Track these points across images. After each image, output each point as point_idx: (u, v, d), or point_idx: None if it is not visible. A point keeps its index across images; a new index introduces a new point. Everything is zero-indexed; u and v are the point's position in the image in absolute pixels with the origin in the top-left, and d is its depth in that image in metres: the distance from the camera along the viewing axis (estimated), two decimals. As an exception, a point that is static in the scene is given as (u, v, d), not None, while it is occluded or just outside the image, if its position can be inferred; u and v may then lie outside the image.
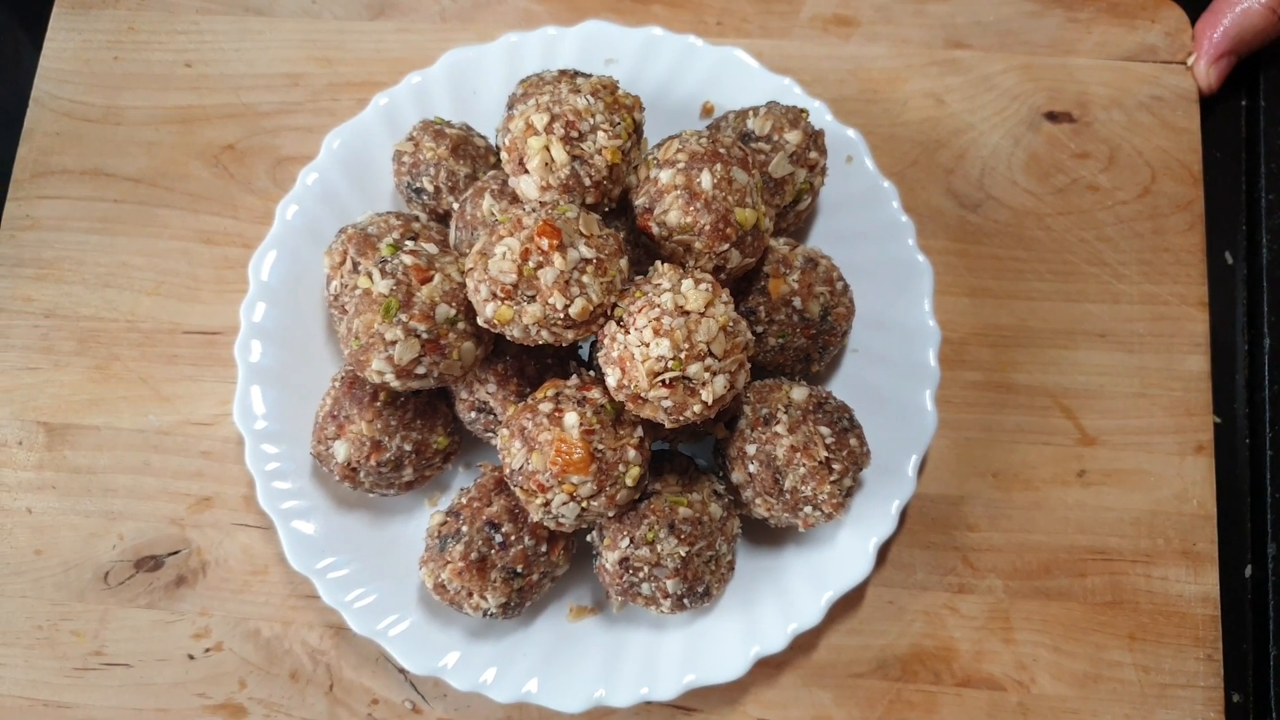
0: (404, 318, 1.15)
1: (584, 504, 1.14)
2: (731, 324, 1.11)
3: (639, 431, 1.17)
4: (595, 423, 1.15)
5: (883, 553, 1.37)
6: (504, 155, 1.21)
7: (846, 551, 1.30)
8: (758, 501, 1.24)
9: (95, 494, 1.45)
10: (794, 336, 1.27)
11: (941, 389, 1.41)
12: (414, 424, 1.27)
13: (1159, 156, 1.50)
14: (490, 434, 1.30)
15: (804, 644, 1.34)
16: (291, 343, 1.40)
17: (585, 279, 1.11)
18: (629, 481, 1.15)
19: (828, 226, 1.41)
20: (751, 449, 1.22)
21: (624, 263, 1.15)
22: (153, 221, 1.57)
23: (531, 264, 1.10)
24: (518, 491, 1.17)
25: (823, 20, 1.58)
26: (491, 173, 1.33)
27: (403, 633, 1.29)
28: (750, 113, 1.32)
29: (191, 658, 1.39)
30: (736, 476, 1.25)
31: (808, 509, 1.22)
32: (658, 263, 1.16)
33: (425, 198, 1.37)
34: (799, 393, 1.25)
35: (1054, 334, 1.44)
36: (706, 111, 1.46)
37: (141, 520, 1.44)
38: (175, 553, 1.43)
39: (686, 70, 1.47)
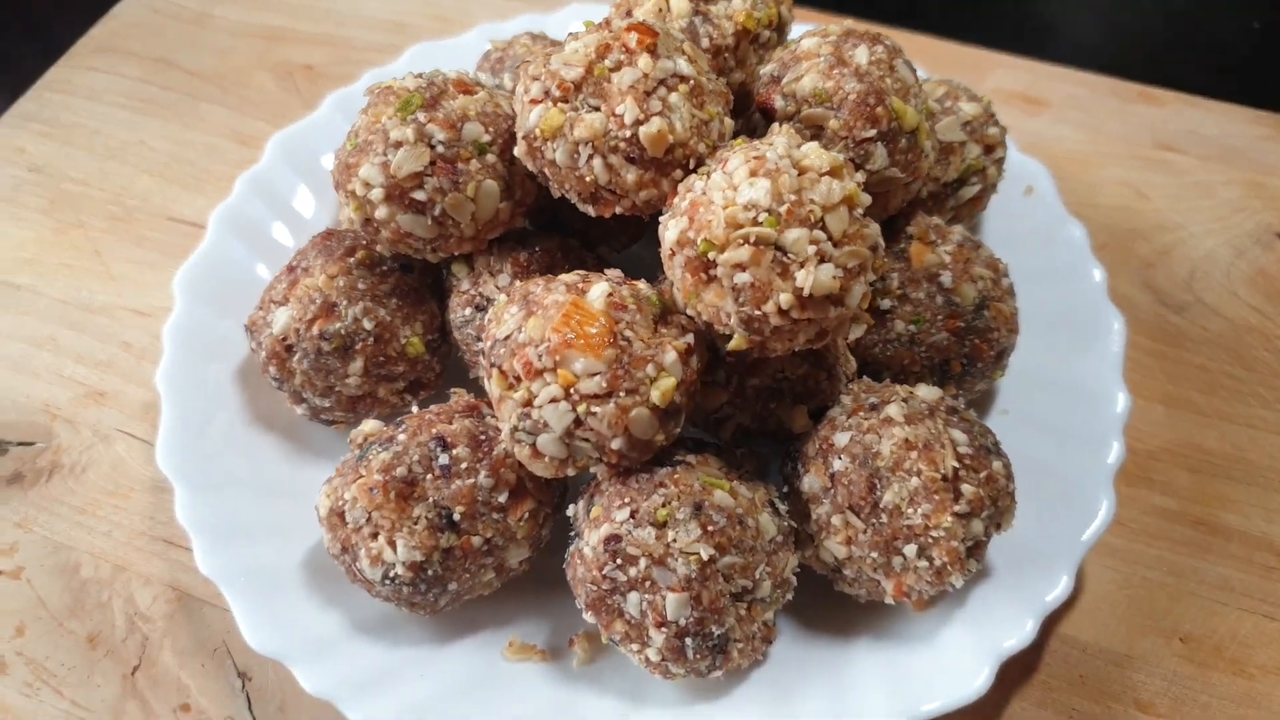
0: (422, 118, 0.85)
1: (581, 410, 0.75)
2: (860, 209, 0.77)
3: (688, 339, 0.79)
4: (631, 303, 0.78)
5: (995, 704, 0.89)
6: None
7: (949, 657, 0.83)
8: (835, 522, 0.81)
9: (-26, 355, 1.12)
10: (932, 327, 0.90)
11: (1120, 509, 0.97)
12: (386, 300, 0.92)
13: None
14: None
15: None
16: (293, 222, 1.10)
17: (674, 98, 0.80)
18: (656, 396, 0.76)
19: (993, 258, 1.07)
20: (843, 438, 0.82)
21: (729, 121, 0.84)
22: (193, 114, 1.35)
23: (608, 63, 0.80)
24: (491, 378, 0.78)
25: (1007, 94, 1.35)
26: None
27: (259, 586, 0.86)
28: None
29: (-26, 578, 0.97)
30: (809, 483, 0.83)
31: (909, 551, 0.78)
32: (776, 124, 0.84)
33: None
34: (928, 390, 0.86)
35: (1283, 475, 1.02)
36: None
37: (9, 397, 1.08)
38: (28, 444, 1.05)
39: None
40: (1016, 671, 0.90)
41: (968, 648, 0.83)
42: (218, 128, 1.34)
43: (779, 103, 0.87)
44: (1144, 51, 1.57)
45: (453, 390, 0.90)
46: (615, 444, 0.76)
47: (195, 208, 1.25)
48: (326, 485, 0.84)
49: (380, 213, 0.86)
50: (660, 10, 0.91)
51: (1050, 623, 0.92)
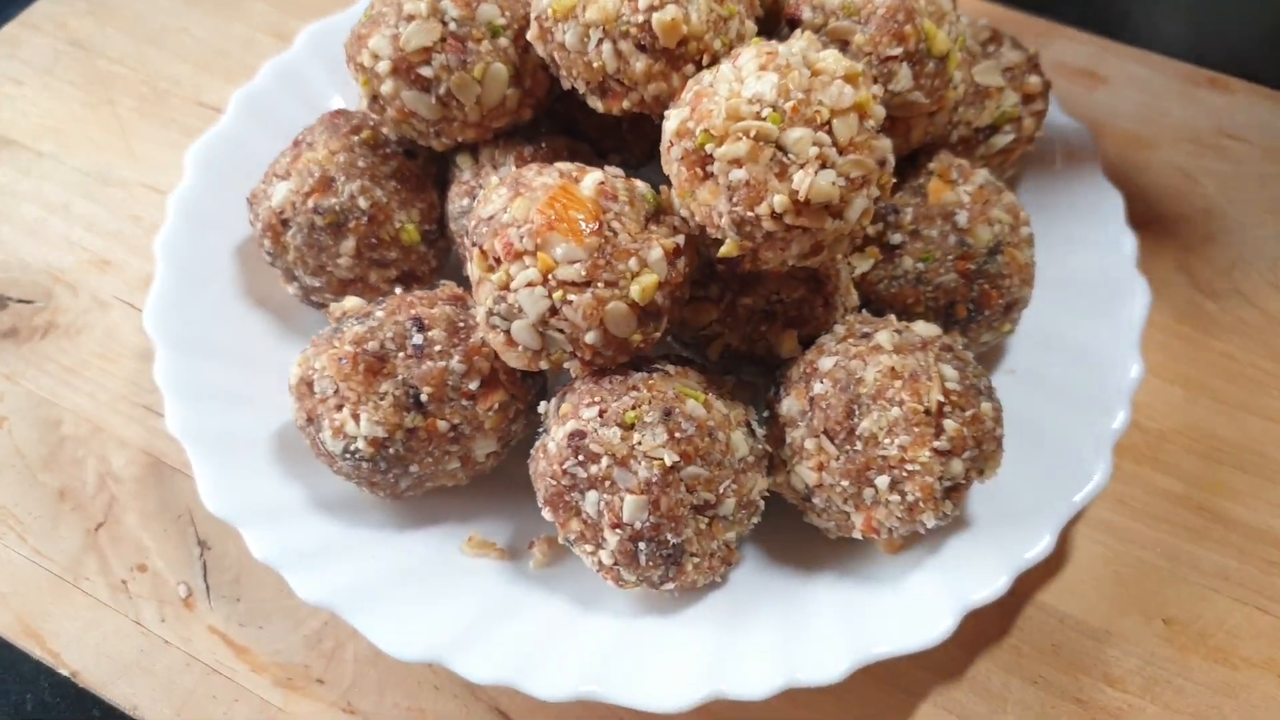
0: (438, -6, 0.83)
1: (556, 297, 0.72)
2: (873, 120, 0.73)
3: (677, 239, 0.77)
4: (623, 195, 0.76)
5: (960, 662, 0.85)
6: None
7: (913, 602, 0.79)
8: (808, 446, 0.78)
9: (-11, 212, 1.13)
10: (941, 266, 0.86)
11: (1122, 486, 0.95)
12: (385, 182, 0.91)
13: None
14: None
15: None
16: (314, 111, 1.09)
17: (692, -11, 0.77)
18: (635, 292, 0.73)
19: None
20: (828, 363, 0.79)
21: (750, 24, 0.81)
22: (237, 7, 1.35)
23: (629, -52, 0.77)
24: (472, 258, 0.77)
25: (1068, 69, 1.29)
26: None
27: (223, 450, 0.85)
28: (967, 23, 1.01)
29: (-45, 421, 0.98)
30: (788, 405, 0.80)
31: (881, 483, 0.75)
32: (797, 31, 0.81)
33: None
34: (926, 326, 0.82)
35: (1300, 473, 0.96)
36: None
37: (17, 256, 1.09)
38: (28, 301, 1.06)
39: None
40: (988, 633, 0.86)
41: (934, 595, 0.79)
42: (260, 22, 1.33)
43: (806, 14, 0.84)
44: (1226, 46, 1.49)
45: (441, 282, 0.88)
46: (589, 337, 0.74)
47: (225, 95, 1.22)
48: (300, 356, 0.82)
49: (386, 87, 0.84)
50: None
51: (1030, 589, 0.88)
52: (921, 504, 0.74)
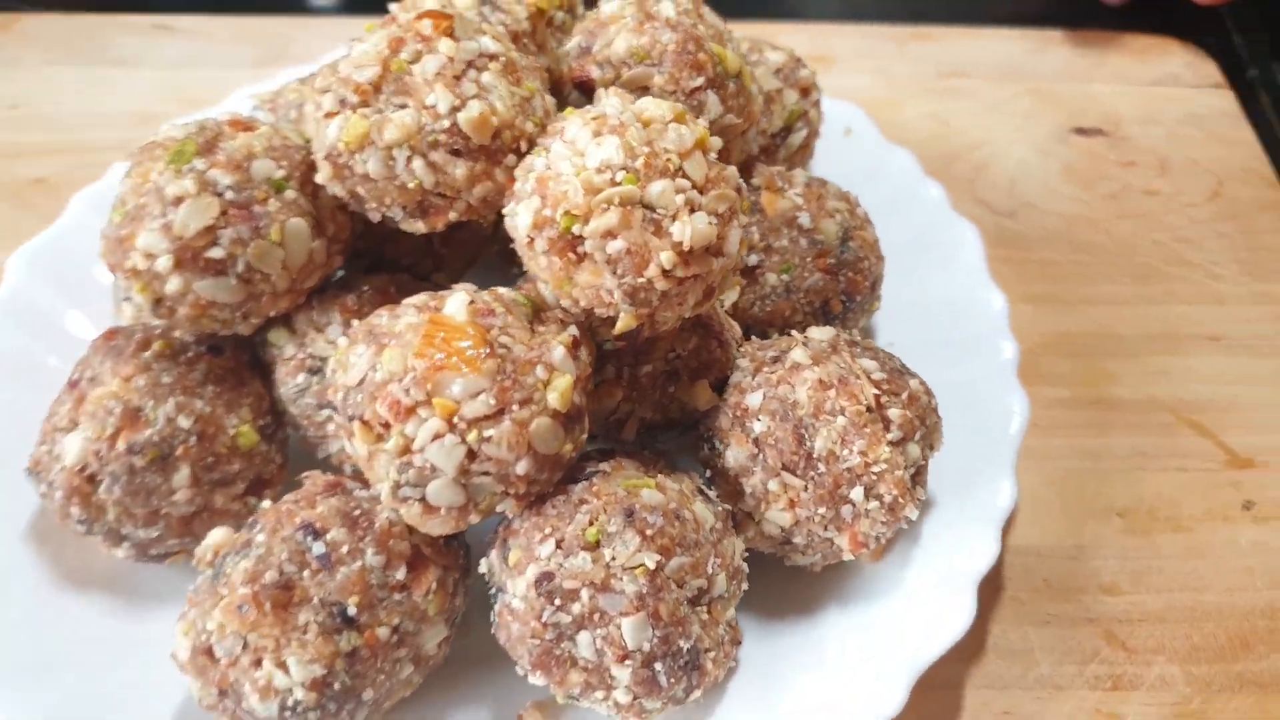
0: (200, 165, 0.72)
1: (471, 439, 0.64)
2: (713, 152, 0.71)
3: (571, 331, 0.70)
4: (499, 307, 0.69)
5: (976, 637, 0.83)
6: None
7: (925, 598, 0.77)
8: (772, 488, 0.74)
9: None
10: (804, 270, 0.85)
11: None
12: (201, 390, 0.78)
13: (1219, 164, 1.22)
14: (328, 412, 0.79)
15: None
16: (50, 331, 0.93)
17: (487, 78, 0.71)
18: (554, 400, 0.66)
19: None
20: (755, 399, 0.75)
21: (549, 98, 0.77)
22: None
23: (405, 55, 0.71)
24: (354, 434, 0.66)
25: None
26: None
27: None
28: (722, 39, 1.01)
29: None
30: (734, 456, 0.75)
31: (856, 496, 0.72)
32: (600, 90, 0.78)
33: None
34: (821, 331, 0.80)
35: (1151, 339, 1.04)
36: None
37: None
38: None
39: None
40: (985, 600, 0.85)
41: (941, 583, 0.77)
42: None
43: (596, 73, 0.80)
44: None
45: (304, 475, 0.76)
46: (520, 468, 0.66)
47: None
48: (181, 623, 0.68)
49: (172, 286, 0.72)
50: (443, 5, 0.82)
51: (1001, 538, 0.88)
52: (900, 499, 0.72)
